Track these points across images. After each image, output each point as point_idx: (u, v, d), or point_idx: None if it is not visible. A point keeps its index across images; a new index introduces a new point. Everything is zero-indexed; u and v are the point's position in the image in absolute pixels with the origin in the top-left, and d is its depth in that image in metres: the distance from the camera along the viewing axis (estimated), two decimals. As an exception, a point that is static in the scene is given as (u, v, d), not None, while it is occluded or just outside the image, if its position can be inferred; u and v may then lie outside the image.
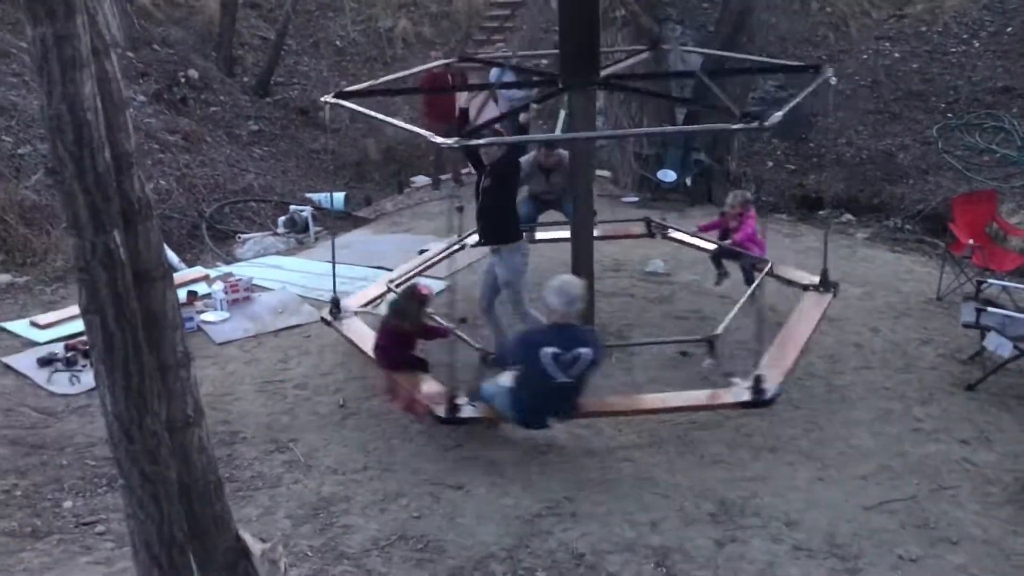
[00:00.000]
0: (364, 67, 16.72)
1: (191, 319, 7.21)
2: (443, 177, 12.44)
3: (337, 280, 6.84)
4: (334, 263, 6.87)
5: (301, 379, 6.50)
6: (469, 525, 4.78)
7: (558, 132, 11.86)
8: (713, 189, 11.46)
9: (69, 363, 6.71)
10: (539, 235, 7.94)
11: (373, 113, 6.18)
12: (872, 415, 5.91)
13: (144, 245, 3.00)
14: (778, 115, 5.26)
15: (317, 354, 6.86)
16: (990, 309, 6.36)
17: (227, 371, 6.74)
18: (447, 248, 7.48)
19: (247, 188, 12.47)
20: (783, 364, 5.63)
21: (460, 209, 7.83)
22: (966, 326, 6.45)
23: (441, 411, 5.30)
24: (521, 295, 6.37)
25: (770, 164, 13.89)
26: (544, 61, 13.72)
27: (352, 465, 5.39)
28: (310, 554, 4.55)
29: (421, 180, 13.33)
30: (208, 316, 7.57)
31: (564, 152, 7.63)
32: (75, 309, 7.37)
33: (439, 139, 5.29)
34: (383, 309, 6.30)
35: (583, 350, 4.94)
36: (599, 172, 11.24)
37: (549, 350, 4.92)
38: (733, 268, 7.38)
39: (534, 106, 6.56)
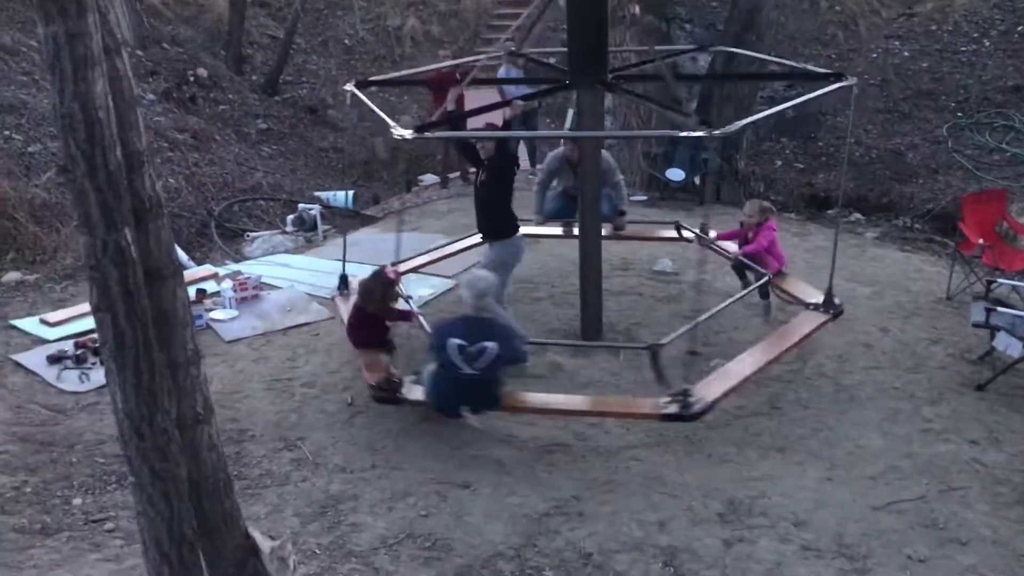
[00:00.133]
0: (373, 65, 16.75)
1: (200, 317, 7.23)
2: (451, 176, 12.44)
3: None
4: (344, 260, 6.92)
5: (309, 377, 6.51)
6: (477, 524, 4.78)
7: (566, 130, 11.88)
8: (722, 188, 11.44)
9: (79, 361, 6.73)
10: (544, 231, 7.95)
11: (375, 109, 6.22)
12: (881, 415, 5.89)
13: (155, 243, 3.02)
14: (736, 125, 5.19)
15: (325, 352, 6.87)
16: (1000, 309, 6.33)
17: (236, 369, 6.76)
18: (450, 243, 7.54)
19: (256, 186, 12.51)
20: (723, 385, 5.46)
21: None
22: (976, 326, 6.42)
23: (377, 391, 5.56)
24: (501, 289, 6.42)
25: (779, 163, 13.86)
26: (552, 59, 13.73)
27: (360, 463, 5.40)
28: (318, 552, 4.56)
29: (429, 179, 13.35)
30: (217, 314, 7.58)
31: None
32: (85, 307, 7.40)
33: (398, 130, 5.42)
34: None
35: (488, 344, 5.08)
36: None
37: (455, 341, 5.13)
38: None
39: (519, 103, 6.62)
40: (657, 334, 6.87)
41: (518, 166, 6.92)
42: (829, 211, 12.54)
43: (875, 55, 15.23)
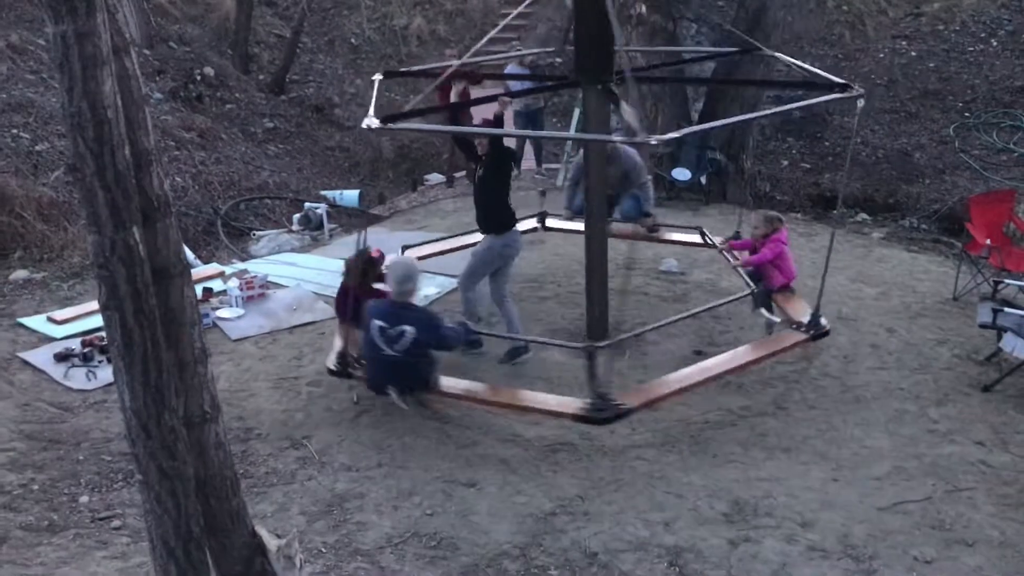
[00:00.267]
0: (379, 65, 16.74)
1: (207, 315, 7.25)
2: (457, 175, 12.45)
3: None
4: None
5: (315, 376, 6.52)
6: (482, 523, 4.78)
7: (572, 131, 11.87)
8: (728, 188, 11.43)
9: (86, 359, 6.75)
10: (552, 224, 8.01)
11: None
12: (887, 416, 5.88)
13: (163, 242, 3.02)
14: (673, 135, 5.28)
15: (331, 351, 6.88)
16: (1007, 310, 6.33)
17: (242, 368, 6.77)
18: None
19: (262, 185, 12.52)
20: (652, 394, 5.50)
21: (543, 193, 8.40)
22: (982, 327, 6.41)
23: (331, 363, 5.89)
24: (476, 276, 6.67)
25: (785, 163, 13.84)
26: (559, 60, 13.74)
27: (366, 462, 5.41)
28: (324, 550, 4.57)
29: (435, 178, 13.35)
30: (223, 313, 7.60)
31: (618, 144, 7.66)
32: (92, 305, 7.43)
33: (367, 120, 5.71)
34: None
35: (407, 328, 5.38)
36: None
37: (377, 323, 5.48)
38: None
39: (505, 99, 6.67)
40: (663, 334, 6.88)
41: (516, 162, 6.99)
42: (835, 211, 12.51)
43: (882, 55, 15.20)
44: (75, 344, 6.92)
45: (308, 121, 15.39)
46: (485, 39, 7.28)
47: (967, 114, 13.78)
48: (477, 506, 4.93)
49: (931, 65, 14.77)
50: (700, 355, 6.53)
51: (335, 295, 6.54)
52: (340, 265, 7.42)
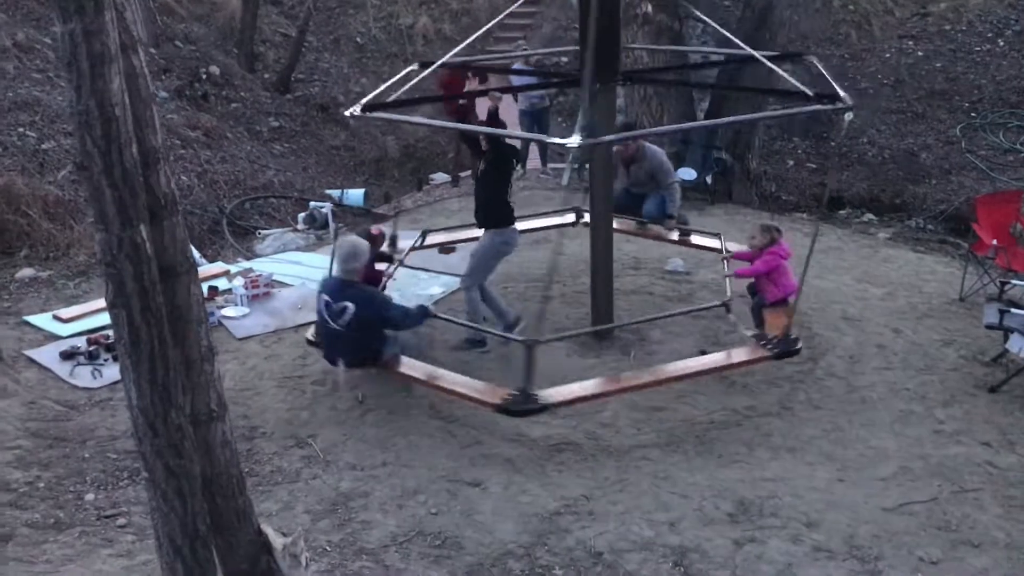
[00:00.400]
0: (385, 64, 16.78)
1: (212, 314, 7.25)
2: (462, 174, 12.44)
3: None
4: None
5: (320, 375, 6.52)
6: (487, 522, 4.78)
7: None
8: (734, 188, 11.41)
9: (91, 357, 6.77)
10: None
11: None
12: (893, 416, 5.87)
13: (170, 240, 3.03)
14: (606, 138, 5.47)
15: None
16: (1013, 310, 6.30)
17: (247, 366, 6.78)
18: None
19: (267, 184, 12.54)
20: (573, 393, 5.52)
21: (586, 190, 8.20)
22: (989, 327, 6.39)
23: (310, 335, 6.30)
24: (479, 274, 6.69)
25: (791, 163, 13.82)
26: (564, 59, 13.74)
27: (370, 461, 5.41)
28: (328, 549, 4.57)
29: (440, 177, 13.35)
30: (228, 311, 7.61)
31: (643, 143, 7.67)
32: (97, 303, 7.44)
33: (350, 110, 6.05)
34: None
35: (348, 304, 5.63)
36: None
37: (324, 298, 5.80)
38: None
39: (496, 94, 6.69)
40: (668, 334, 6.88)
41: (518, 159, 7.04)
42: (841, 211, 12.50)
43: (888, 55, 15.17)
44: (81, 342, 6.94)
45: (313, 120, 15.41)
46: (481, 31, 7.30)
47: (974, 114, 13.76)
48: (482, 505, 4.93)
49: (938, 65, 14.74)
50: (704, 355, 6.52)
51: None
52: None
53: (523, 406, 5.27)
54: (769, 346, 5.90)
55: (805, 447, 5.53)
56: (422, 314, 6.00)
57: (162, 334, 2.92)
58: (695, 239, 7.98)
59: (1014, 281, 7.12)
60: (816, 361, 6.57)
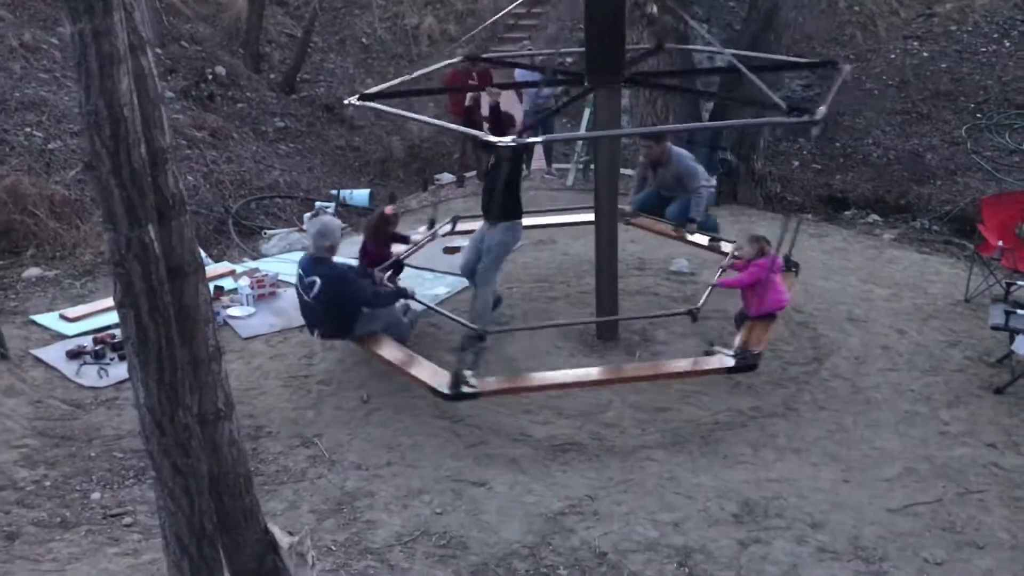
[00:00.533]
0: (390, 64, 16.79)
1: (217, 314, 7.28)
2: (468, 174, 12.45)
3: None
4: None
5: (326, 374, 6.54)
6: (492, 522, 4.79)
7: (583, 130, 11.87)
8: (739, 189, 11.40)
9: (97, 356, 6.79)
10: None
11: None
12: (898, 417, 5.87)
13: (177, 240, 3.04)
14: (538, 139, 5.87)
15: (342, 349, 6.89)
16: (1019, 311, 6.31)
17: (253, 366, 6.80)
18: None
19: (273, 184, 12.55)
20: (503, 385, 5.66)
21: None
22: (994, 328, 6.39)
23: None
24: (494, 269, 6.76)
25: (796, 164, 13.80)
26: (569, 59, 13.74)
27: (376, 461, 5.43)
28: (333, 548, 4.59)
29: (446, 177, 13.35)
30: (234, 311, 7.63)
31: (669, 146, 7.69)
32: (104, 303, 7.47)
33: (348, 99, 6.44)
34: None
35: (317, 279, 5.98)
36: (623, 171, 11.25)
37: (299, 271, 6.19)
38: None
39: (493, 89, 6.71)
40: (672, 334, 6.88)
41: (527, 155, 7.10)
42: (847, 212, 12.49)
43: (894, 55, 15.14)
44: (87, 341, 6.96)
45: (319, 120, 15.42)
46: (480, 27, 7.33)
47: (979, 115, 13.72)
48: (487, 505, 4.94)
49: (943, 66, 14.71)
50: (710, 353, 6.51)
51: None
52: (351, 265, 7.48)
53: (453, 392, 5.42)
54: (731, 354, 5.76)
55: (810, 448, 5.54)
56: (393, 294, 6.35)
57: (170, 333, 2.93)
58: (705, 241, 7.98)
59: (1020, 282, 7.11)
60: (821, 362, 6.57)
